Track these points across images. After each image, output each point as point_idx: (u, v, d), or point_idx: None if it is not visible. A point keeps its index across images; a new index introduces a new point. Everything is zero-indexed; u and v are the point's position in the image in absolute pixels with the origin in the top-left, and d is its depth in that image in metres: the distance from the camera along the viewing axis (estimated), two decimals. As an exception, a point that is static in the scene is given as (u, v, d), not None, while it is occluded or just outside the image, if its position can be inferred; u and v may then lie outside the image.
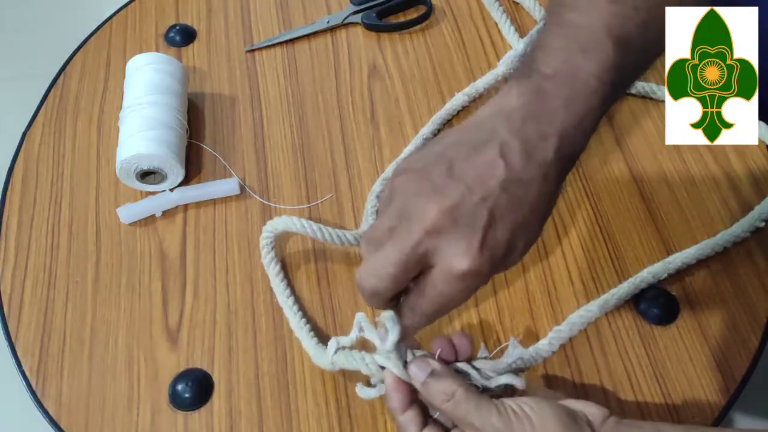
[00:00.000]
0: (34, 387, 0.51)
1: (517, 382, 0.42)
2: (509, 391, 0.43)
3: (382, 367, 0.42)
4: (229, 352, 0.52)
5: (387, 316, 0.40)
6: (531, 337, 0.52)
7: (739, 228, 0.56)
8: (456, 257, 0.35)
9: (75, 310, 0.54)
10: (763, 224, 0.56)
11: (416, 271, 0.37)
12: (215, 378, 0.51)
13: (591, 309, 0.52)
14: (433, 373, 0.40)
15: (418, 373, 0.40)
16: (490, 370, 0.43)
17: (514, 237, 0.36)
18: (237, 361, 0.52)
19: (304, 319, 0.52)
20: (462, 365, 0.42)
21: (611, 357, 0.51)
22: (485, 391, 0.42)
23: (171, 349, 0.52)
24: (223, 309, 0.54)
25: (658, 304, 0.53)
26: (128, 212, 0.58)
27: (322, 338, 0.52)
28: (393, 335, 0.40)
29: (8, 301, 0.55)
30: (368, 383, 0.45)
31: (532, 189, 0.36)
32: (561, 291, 0.54)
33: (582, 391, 0.50)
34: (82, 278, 0.56)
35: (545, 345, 0.51)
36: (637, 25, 0.39)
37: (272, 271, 0.55)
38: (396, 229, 0.37)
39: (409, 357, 0.42)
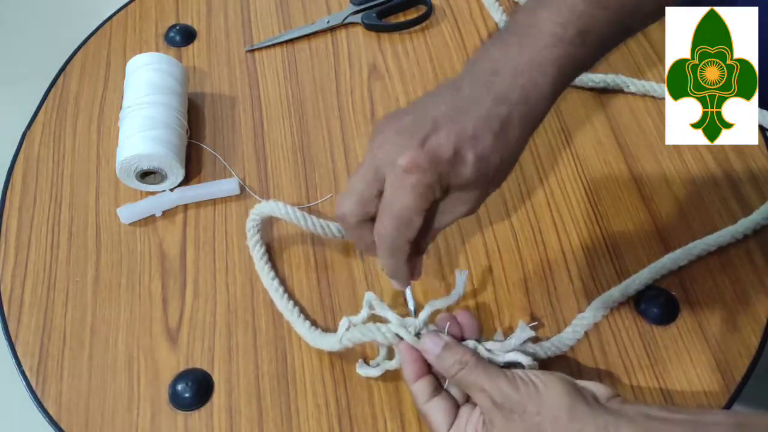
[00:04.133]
0: (34, 387, 0.51)
1: (524, 359, 0.44)
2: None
3: (399, 337, 0.45)
4: (229, 352, 0.52)
5: (407, 293, 0.46)
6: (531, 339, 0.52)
7: (740, 227, 0.56)
8: (397, 157, 0.39)
9: (75, 310, 0.54)
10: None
11: (376, 186, 0.40)
12: (215, 378, 0.51)
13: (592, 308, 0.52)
14: (446, 346, 0.43)
15: (431, 346, 0.43)
16: (499, 350, 0.45)
17: (459, 143, 0.38)
18: (237, 361, 0.52)
19: (291, 302, 0.53)
20: (471, 343, 0.45)
21: (611, 356, 0.51)
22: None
23: (171, 349, 0.52)
24: (223, 309, 0.54)
25: (658, 304, 0.53)
26: (128, 212, 0.58)
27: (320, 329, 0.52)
28: (412, 304, 0.45)
29: (8, 301, 0.55)
30: (367, 361, 0.49)
31: (480, 107, 0.39)
32: (561, 291, 0.54)
33: (582, 391, 0.50)
34: (82, 278, 0.56)
35: (569, 333, 0.52)
36: None
37: (257, 253, 0.55)
38: (380, 176, 0.41)
39: (424, 329, 0.45)
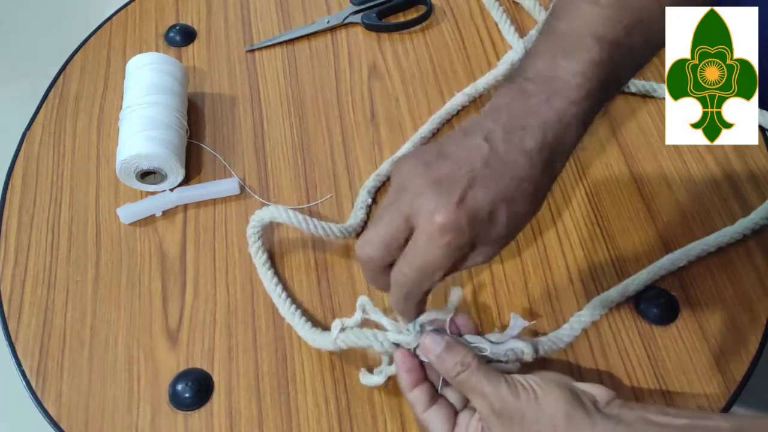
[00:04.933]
0: (34, 387, 0.51)
1: (524, 346, 0.44)
2: (519, 371, 0.44)
3: (395, 345, 0.45)
4: (229, 352, 0.52)
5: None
6: (529, 335, 0.52)
7: (739, 227, 0.56)
8: (434, 212, 0.37)
9: (75, 310, 0.54)
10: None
11: (404, 235, 0.39)
12: (215, 378, 0.51)
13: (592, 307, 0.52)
14: (447, 346, 0.42)
15: (433, 346, 0.43)
16: (496, 341, 0.45)
17: (495, 204, 0.38)
18: (237, 361, 0.52)
19: (294, 305, 0.53)
20: (470, 337, 0.44)
21: (611, 356, 0.51)
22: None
23: (171, 349, 0.52)
24: (223, 309, 0.54)
25: (658, 304, 0.53)
26: (128, 212, 0.58)
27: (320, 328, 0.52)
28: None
29: (8, 301, 0.55)
30: (371, 371, 0.48)
31: (515, 168, 0.38)
32: (561, 291, 0.54)
33: (582, 391, 0.50)
34: (82, 278, 0.56)
35: (566, 330, 0.52)
36: (624, 26, 0.40)
37: (259, 260, 0.55)
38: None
39: (419, 334, 0.44)
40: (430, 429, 0.44)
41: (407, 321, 0.44)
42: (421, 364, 0.45)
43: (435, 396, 0.44)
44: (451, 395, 0.45)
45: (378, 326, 0.46)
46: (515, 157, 0.39)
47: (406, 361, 0.44)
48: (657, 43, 0.43)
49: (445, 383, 0.44)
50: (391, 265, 0.41)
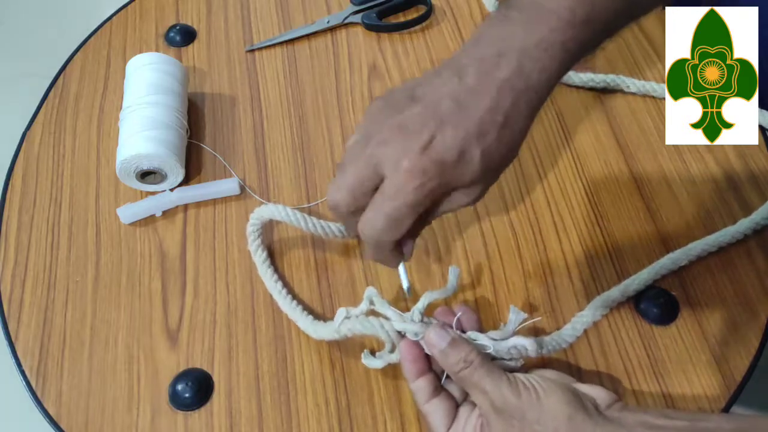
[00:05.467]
0: (34, 387, 0.51)
1: (527, 343, 0.45)
2: (521, 369, 0.45)
3: (399, 334, 0.45)
4: (229, 352, 0.52)
5: (400, 271, 0.46)
6: (531, 332, 0.52)
7: (740, 227, 0.56)
8: (399, 160, 0.37)
9: (75, 310, 0.54)
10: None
11: (372, 182, 0.39)
12: (215, 378, 0.51)
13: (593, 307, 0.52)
14: (451, 342, 0.42)
15: (438, 341, 0.43)
16: (499, 338, 0.45)
17: (465, 144, 0.37)
18: (237, 361, 0.52)
19: (295, 301, 0.53)
20: (474, 334, 0.45)
21: (611, 356, 0.51)
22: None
23: (171, 349, 0.52)
24: (223, 309, 0.54)
25: (658, 304, 0.53)
26: (128, 212, 0.58)
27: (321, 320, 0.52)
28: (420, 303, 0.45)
29: (8, 301, 0.55)
30: (373, 353, 0.49)
31: (484, 99, 0.37)
32: (561, 291, 0.54)
33: (582, 391, 0.50)
34: (82, 278, 0.56)
35: (569, 330, 0.52)
36: None
37: (258, 258, 0.55)
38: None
39: (425, 320, 0.45)
40: (430, 420, 0.44)
41: (392, 267, 0.44)
42: (426, 356, 0.45)
43: (438, 387, 0.45)
44: (453, 388, 0.45)
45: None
46: (486, 87, 0.38)
47: (411, 350, 0.45)
48: None
49: (448, 376, 0.45)
50: (359, 210, 0.40)
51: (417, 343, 0.45)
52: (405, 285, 0.48)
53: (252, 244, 0.55)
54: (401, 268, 0.48)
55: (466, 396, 0.45)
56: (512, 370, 0.43)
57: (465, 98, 0.38)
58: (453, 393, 0.45)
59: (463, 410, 0.44)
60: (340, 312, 0.48)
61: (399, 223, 0.39)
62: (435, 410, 0.44)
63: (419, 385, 0.44)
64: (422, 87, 0.39)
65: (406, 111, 0.38)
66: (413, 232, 0.43)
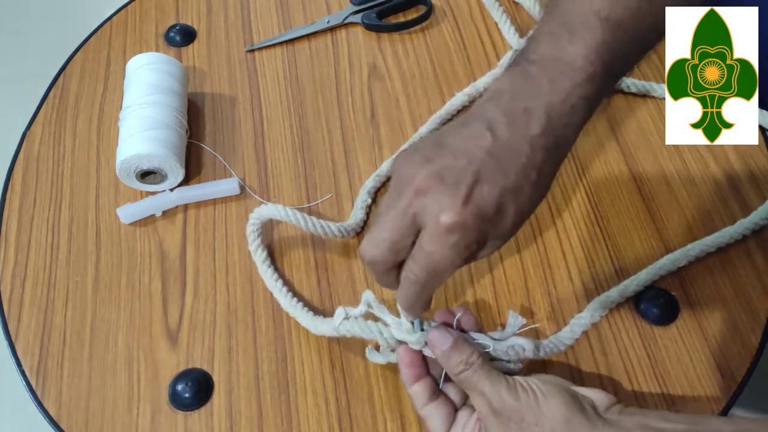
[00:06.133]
0: (34, 387, 0.51)
1: (524, 343, 0.45)
2: (521, 372, 0.45)
3: (399, 341, 0.45)
4: (229, 352, 0.52)
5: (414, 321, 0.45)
6: (531, 336, 0.52)
7: (739, 227, 0.56)
8: (441, 212, 0.36)
9: (75, 309, 0.54)
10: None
11: (410, 235, 0.38)
12: (215, 378, 0.51)
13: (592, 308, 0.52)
14: (454, 343, 0.42)
15: (440, 343, 0.43)
16: (498, 339, 0.45)
17: (502, 198, 0.37)
18: (237, 361, 0.52)
19: (295, 298, 0.53)
20: (474, 335, 0.45)
21: (611, 357, 0.51)
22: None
23: (171, 349, 0.52)
24: (223, 309, 0.54)
25: (658, 304, 0.53)
26: (128, 212, 0.58)
27: (325, 339, 0.52)
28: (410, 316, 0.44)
29: (8, 301, 0.55)
30: (378, 347, 0.49)
31: (519, 156, 0.37)
32: (561, 291, 0.54)
33: (582, 391, 0.50)
34: (82, 278, 0.56)
35: (567, 333, 0.52)
36: (628, 8, 0.39)
37: (259, 257, 0.55)
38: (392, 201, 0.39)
39: (425, 326, 0.45)
40: (428, 423, 0.44)
41: (412, 317, 0.44)
42: (424, 359, 0.45)
43: (436, 392, 0.45)
44: (452, 392, 0.45)
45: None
46: (519, 144, 0.37)
47: (407, 355, 0.45)
48: (664, 26, 0.42)
49: (447, 379, 0.45)
50: (396, 265, 0.40)
51: (415, 349, 0.45)
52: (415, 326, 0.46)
53: (252, 244, 0.55)
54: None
55: (465, 400, 0.45)
56: (512, 374, 0.43)
57: (500, 153, 0.37)
58: (451, 397, 0.45)
59: (462, 414, 0.44)
60: (339, 312, 0.48)
61: (441, 275, 0.39)
62: (433, 414, 0.44)
63: (416, 390, 0.44)
64: (451, 137, 0.38)
65: (439, 160, 0.37)
66: None
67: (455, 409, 0.45)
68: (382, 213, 0.39)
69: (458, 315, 0.45)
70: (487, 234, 0.37)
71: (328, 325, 0.49)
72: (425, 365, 0.45)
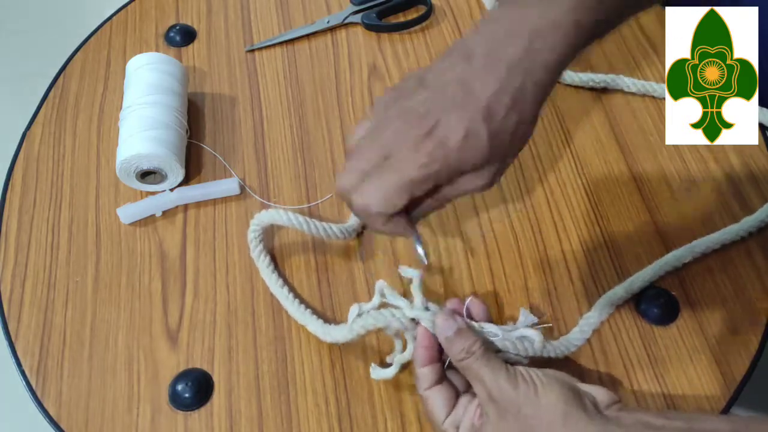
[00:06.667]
0: (34, 387, 0.51)
1: (534, 334, 0.46)
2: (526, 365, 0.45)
3: (413, 322, 0.46)
4: (229, 352, 0.52)
5: (414, 276, 0.46)
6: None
7: (744, 225, 0.56)
8: (404, 143, 0.38)
9: (75, 309, 0.54)
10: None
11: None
12: (215, 378, 0.51)
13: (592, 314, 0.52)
14: (457, 331, 0.43)
15: (445, 328, 0.44)
16: (508, 330, 0.46)
17: (471, 125, 0.37)
18: (237, 361, 0.52)
19: (303, 305, 0.53)
20: (484, 324, 0.45)
21: (611, 357, 0.51)
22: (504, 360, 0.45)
23: (171, 349, 0.52)
24: (223, 309, 0.54)
25: (658, 304, 0.53)
26: (128, 212, 0.58)
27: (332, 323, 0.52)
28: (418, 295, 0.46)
29: (8, 301, 0.55)
30: (382, 364, 0.49)
31: (491, 81, 0.38)
32: (561, 291, 0.54)
33: (582, 391, 0.50)
34: (82, 278, 0.56)
35: (576, 333, 0.52)
36: None
37: (262, 263, 0.55)
38: (388, 157, 0.39)
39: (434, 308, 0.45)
40: (429, 405, 0.44)
41: (409, 236, 0.44)
42: (440, 345, 0.45)
43: (442, 377, 0.45)
44: (455, 378, 0.46)
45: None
46: (494, 67, 0.38)
47: (426, 338, 0.45)
48: None
49: (450, 365, 0.45)
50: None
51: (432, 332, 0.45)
52: (420, 252, 0.46)
53: (254, 251, 0.55)
54: (415, 238, 0.46)
55: (468, 387, 0.46)
56: (516, 365, 0.44)
57: (472, 81, 0.38)
58: (455, 383, 0.46)
59: (464, 399, 0.45)
60: (353, 309, 0.48)
61: (393, 198, 0.39)
62: (436, 396, 0.44)
63: (425, 372, 0.45)
64: (431, 72, 0.40)
65: (414, 97, 0.39)
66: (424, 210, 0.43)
67: (457, 395, 0.45)
68: (355, 147, 0.41)
69: (467, 301, 0.46)
70: (457, 165, 0.38)
71: (340, 331, 0.49)
72: (440, 351, 0.45)
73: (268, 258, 0.55)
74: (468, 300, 0.46)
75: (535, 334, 0.46)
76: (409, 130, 0.38)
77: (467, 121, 0.37)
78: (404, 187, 0.39)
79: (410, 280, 0.47)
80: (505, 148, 0.39)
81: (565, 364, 0.51)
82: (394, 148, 0.39)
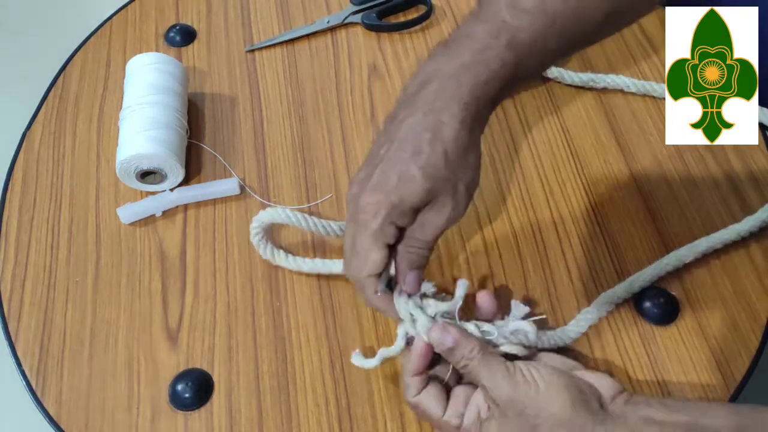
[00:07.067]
0: (34, 387, 0.51)
1: (528, 326, 0.46)
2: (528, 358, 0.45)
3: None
4: (229, 352, 0.52)
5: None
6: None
7: (746, 224, 0.55)
8: (352, 202, 0.44)
9: (75, 310, 0.54)
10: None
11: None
12: (215, 378, 0.51)
13: (590, 311, 0.52)
14: (455, 341, 0.43)
15: (440, 342, 0.44)
16: (502, 326, 0.46)
17: (401, 166, 0.41)
18: (237, 361, 0.52)
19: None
20: (480, 323, 0.46)
21: (611, 357, 0.51)
22: (503, 355, 0.45)
23: (171, 349, 0.52)
24: (223, 309, 0.54)
25: (658, 304, 0.53)
26: (128, 212, 0.58)
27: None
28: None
29: (8, 301, 0.55)
30: (365, 353, 0.49)
31: (409, 124, 0.42)
32: (561, 291, 0.54)
33: (582, 391, 0.50)
34: (82, 278, 0.56)
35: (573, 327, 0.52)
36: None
37: (280, 258, 0.55)
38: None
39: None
40: (422, 407, 0.45)
41: (410, 291, 0.46)
42: (436, 355, 0.45)
43: (428, 381, 0.46)
44: (440, 369, 0.46)
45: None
46: (411, 115, 0.42)
47: (425, 348, 0.45)
48: (593, 20, 0.44)
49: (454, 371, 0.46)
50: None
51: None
52: (400, 343, 0.47)
53: (264, 250, 0.55)
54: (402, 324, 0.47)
55: (460, 379, 0.46)
56: (517, 357, 0.44)
57: (395, 132, 0.43)
58: (442, 375, 0.46)
59: (460, 390, 0.45)
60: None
61: (365, 255, 0.43)
62: (427, 398, 0.45)
63: (415, 381, 0.45)
64: (371, 150, 0.45)
65: (360, 173, 0.44)
66: (417, 264, 0.45)
67: (444, 388, 0.45)
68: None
69: (456, 307, 0.46)
70: (401, 203, 0.41)
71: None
72: (433, 361, 0.46)
73: (281, 251, 0.55)
74: (457, 307, 0.46)
75: (528, 326, 0.46)
76: (357, 191, 0.43)
77: (398, 163, 0.41)
78: (369, 241, 0.42)
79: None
80: (443, 177, 0.41)
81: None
82: (349, 212, 0.44)
